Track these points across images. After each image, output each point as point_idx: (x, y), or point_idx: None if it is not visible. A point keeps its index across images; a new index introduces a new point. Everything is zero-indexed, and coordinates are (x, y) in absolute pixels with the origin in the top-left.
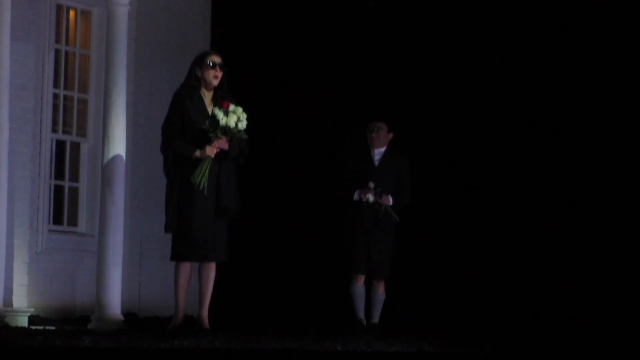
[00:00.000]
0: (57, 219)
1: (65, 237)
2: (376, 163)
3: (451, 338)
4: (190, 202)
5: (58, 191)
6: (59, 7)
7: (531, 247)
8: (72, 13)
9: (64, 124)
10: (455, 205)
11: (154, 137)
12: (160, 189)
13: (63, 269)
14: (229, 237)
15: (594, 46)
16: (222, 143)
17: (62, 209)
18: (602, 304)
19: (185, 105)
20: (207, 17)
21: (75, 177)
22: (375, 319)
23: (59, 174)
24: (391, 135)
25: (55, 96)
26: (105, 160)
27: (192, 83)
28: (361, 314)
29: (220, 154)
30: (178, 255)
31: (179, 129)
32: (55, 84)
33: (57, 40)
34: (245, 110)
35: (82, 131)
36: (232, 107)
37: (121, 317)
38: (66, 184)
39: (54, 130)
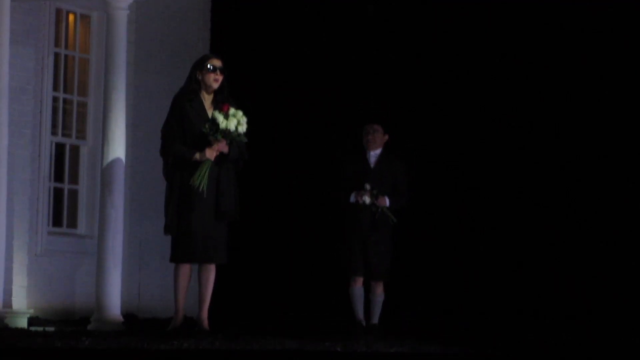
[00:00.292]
0: (56, 221)
1: (64, 239)
2: (372, 165)
3: (451, 338)
4: (190, 204)
5: (57, 193)
6: (58, 11)
7: (531, 247)
8: (71, 17)
9: (64, 127)
10: (455, 205)
11: (154, 139)
12: (159, 191)
13: (62, 270)
14: (229, 238)
15: (594, 46)
16: (222, 146)
17: (61, 211)
18: (602, 304)
19: (185, 108)
20: (207, 21)
21: (74, 179)
22: (375, 319)
23: (58, 176)
24: (386, 137)
25: (55, 99)
26: (104, 163)
27: (192, 86)
28: (360, 315)
29: (220, 157)
30: (177, 256)
31: (178, 132)
32: (55, 87)
33: (57, 44)
34: (245, 112)
35: (81, 134)
36: (232, 110)
37: (121, 319)
38: (66, 186)
39: (54, 133)
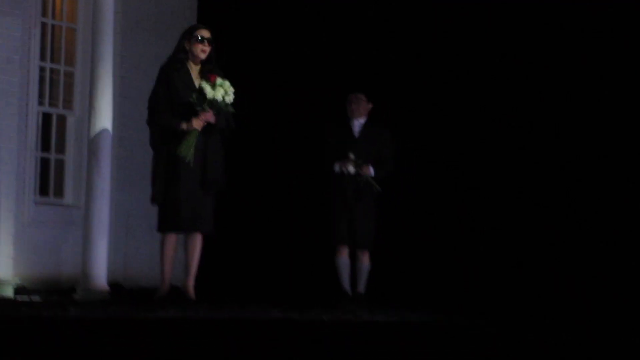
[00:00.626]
0: (43, 191)
1: (51, 208)
2: (356, 134)
3: (438, 307)
4: (177, 174)
5: (44, 163)
6: None
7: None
8: None
9: (51, 97)
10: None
11: (141, 109)
12: (146, 161)
13: (49, 240)
14: (215, 209)
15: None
16: (209, 116)
17: (48, 181)
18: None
19: (172, 78)
20: None
21: (61, 149)
22: (361, 288)
23: (45, 146)
24: (370, 105)
25: (42, 69)
26: (91, 133)
27: (180, 56)
28: (346, 285)
29: (207, 127)
30: (164, 226)
31: (165, 102)
32: (42, 57)
33: (44, 14)
34: (232, 82)
35: (68, 104)
36: (219, 80)
37: (107, 288)
38: (52, 156)
39: (41, 103)
